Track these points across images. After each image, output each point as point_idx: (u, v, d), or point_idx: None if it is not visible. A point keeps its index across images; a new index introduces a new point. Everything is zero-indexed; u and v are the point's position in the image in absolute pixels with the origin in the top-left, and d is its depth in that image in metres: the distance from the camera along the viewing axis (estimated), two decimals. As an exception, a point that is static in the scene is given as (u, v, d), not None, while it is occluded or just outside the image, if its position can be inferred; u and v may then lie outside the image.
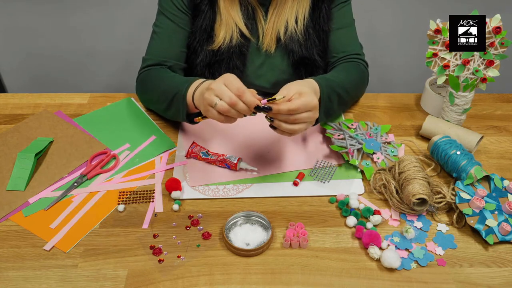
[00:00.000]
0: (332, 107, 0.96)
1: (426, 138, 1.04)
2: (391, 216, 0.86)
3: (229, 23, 1.03)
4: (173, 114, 0.98)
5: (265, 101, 0.79)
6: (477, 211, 0.83)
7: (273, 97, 0.80)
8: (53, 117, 1.08)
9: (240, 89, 0.77)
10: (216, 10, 1.03)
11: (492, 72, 0.99)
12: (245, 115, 0.80)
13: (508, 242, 0.81)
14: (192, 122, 0.96)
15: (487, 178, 0.90)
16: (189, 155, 0.98)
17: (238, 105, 0.77)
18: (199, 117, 0.87)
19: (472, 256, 0.79)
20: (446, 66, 1.00)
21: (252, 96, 0.78)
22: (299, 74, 1.10)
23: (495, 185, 0.88)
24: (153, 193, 0.90)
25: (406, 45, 1.90)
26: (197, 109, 0.90)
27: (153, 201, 0.88)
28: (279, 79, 1.12)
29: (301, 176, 0.93)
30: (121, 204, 0.87)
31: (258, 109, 0.79)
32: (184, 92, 0.92)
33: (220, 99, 0.78)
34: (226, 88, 0.78)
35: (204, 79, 0.93)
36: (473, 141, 0.98)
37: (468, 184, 0.87)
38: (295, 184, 0.92)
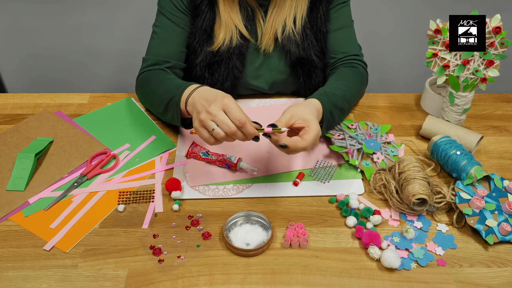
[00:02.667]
0: (334, 121, 0.98)
1: (426, 138, 1.04)
2: (391, 216, 0.86)
3: (228, 25, 1.02)
4: (169, 119, 0.98)
5: (270, 129, 0.79)
6: (477, 211, 0.83)
7: (276, 125, 0.80)
8: (53, 117, 1.08)
9: (241, 120, 0.76)
10: (215, 11, 1.03)
11: (492, 72, 0.99)
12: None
13: (508, 242, 0.81)
14: (188, 127, 0.97)
15: (487, 178, 0.90)
16: (189, 155, 0.98)
17: (236, 135, 0.77)
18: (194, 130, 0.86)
19: (472, 256, 0.79)
20: (446, 66, 1.00)
21: (252, 128, 0.77)
22: (296, 75, 1.10)
23: (495, 185, 0.88)
24: (153, 193, 0.90)
25: (406, 45, 1.90)
26: (190, 115, 0.89)
27: (153, 201, 0.88)
28: (277, 79, 1.12)
29: (301, 176, 0.93)
30: (121, 204, 0.87)
31: (255, 138, 0.80)
32: (178, 98, 0.91)
33: (217, 125, 0.77)
34: (225, 115, 0.77)
35: (198, 85, 0.91)
36: (473, 141, 0.98)
37: (468, 184, 0.87)
38: (295, 184, 0.92)
